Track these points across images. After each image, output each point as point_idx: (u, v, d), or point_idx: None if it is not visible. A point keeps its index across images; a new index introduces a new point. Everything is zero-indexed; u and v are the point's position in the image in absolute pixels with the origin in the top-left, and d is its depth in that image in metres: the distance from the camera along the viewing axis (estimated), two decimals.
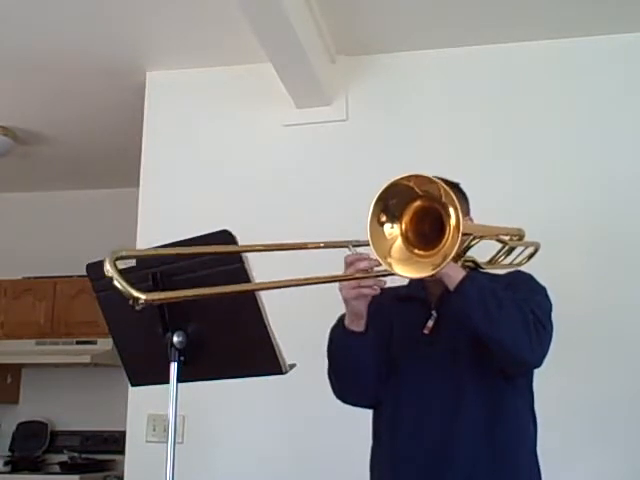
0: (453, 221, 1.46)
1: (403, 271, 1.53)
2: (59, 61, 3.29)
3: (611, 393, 2.72)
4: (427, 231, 1.56)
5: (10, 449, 4.71)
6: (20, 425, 4.77)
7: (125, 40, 3.13)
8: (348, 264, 1.63)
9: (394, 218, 1.58)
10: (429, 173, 1.80)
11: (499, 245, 1.91)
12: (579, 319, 2.59)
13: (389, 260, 1.54)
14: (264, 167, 3.22)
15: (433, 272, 1.49)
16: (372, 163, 3.11)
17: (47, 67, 3.34)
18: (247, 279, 1.58)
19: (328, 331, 1.74)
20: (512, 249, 1.94)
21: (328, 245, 1.66)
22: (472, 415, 1.68)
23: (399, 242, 1.57)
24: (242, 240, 1.60)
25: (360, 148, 3.16)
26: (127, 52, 3.23)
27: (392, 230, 1.58)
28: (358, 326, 1.69)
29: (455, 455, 1.66)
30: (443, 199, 1.48)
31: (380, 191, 1.56)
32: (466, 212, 1.88)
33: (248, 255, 1.60)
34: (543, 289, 1.79)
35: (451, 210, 1.47)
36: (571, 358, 2.58)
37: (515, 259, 1.96)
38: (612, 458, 2.68)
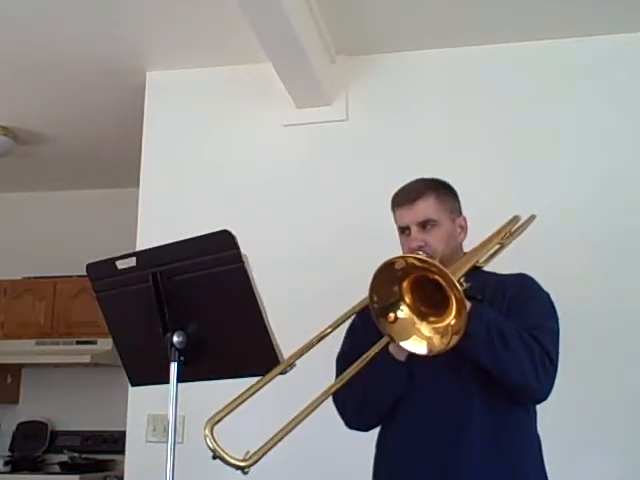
0: (453, 321, 1.47)
1: (440, 343, 1.51)
2: (59, 61, 3.29)
3: (611, 394, 2.71)
4: (430, 291, 1.53)
5: (10, 449, 4.70)
6: (20, 425, 4.77)
7: (125, 40, 3.13)
8: None
9: (397, 304, 1.55)
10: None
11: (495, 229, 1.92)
12: (579, 319, 2.59)
13: (419, 337, 1.54)
14: (264, 167, 3.22)
15: (457, 339, 1.47)
16: (372, 163, 3.12)
17: (47, 67, 3.34)
18: (247, 279, 1.58)
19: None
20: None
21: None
22: (479, 427, 1.67)
23: (415, 318, 1.55)
24: (241, 239, 1.60)
25: (360, 148, 3.16)
26: (127, 52, 3.23)
27: (403, 312, 1.56)
28: (403, 355, 1.66)
29: (464, 469, 1.65)
30: (446, 288, 1.47)
31: (371, 302, 1.54)
32: (458, 212, 1.88)
33: (248, 256, 1.60)
34: (549, 302, 1.77)
35: (454, 305, 1.46)
36: (571, 358, 2.57)
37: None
38: (612, 459, 2.68)
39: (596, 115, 3.01)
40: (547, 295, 1.79)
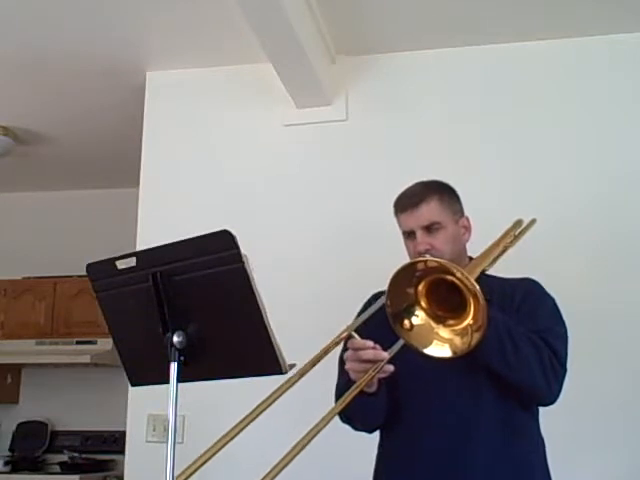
0: (472, 321, 1.47)
1: (461, 343, 1.50)
2: (59, 61, 3.29)
3: (611, 394, 2.71)
4: (445, 295, 1.53)
5: (10, 449, 4.71)
6: (20, 425, 4.77)
7: (125, 40, 3.13)
8: (354, 349, 1.59)
9: (411, 308, 1.55)
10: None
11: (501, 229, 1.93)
12: (579, 320, 2.58)
13: (440, 341, 1.54)
14: (264, 167, 3.22)
15: (479, 337, 1.47)
16: (372, 163, 3.12)
17: (47, 67, 3.34)
18: (247, 279, 1.58)
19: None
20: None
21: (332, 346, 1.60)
22: (487, 428, 1.67)
23: (432, 323, 1.55)
24: (241, 239, 1.59)
25: (360, 148, 3.16)
26: (127, 52, 3.23)
27: (419, 318, 1.55)
28: (372, 387, 1.66)
29: (468, 471, 1.65)
30: (464, 290, 1.46)
31: (388, 307, 1.54)
32: (461, 212, 1.88)
33: (249, 255, 1.60)
34: (556, 307, 1.78)
35: (473, 306, 1.46)
36: (572, 358, 2.57)
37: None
38: (612, 459, 2.68)
39: (596, 115, 3.01)
40: (553, 300, 1.79)
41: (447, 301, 1.53)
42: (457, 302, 1.49)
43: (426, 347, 1.53)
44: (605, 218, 2.88)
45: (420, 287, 1.54)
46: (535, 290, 1.81)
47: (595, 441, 2.71)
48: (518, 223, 2.03)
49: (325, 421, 1.45)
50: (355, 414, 1.76)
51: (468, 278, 1.44)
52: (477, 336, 1.46)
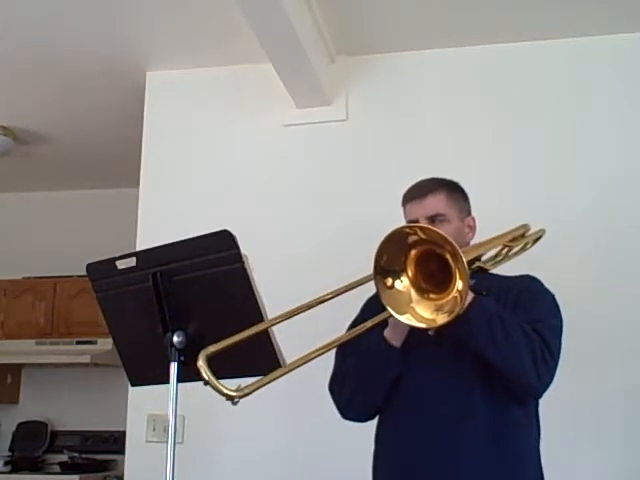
0: (460, 285, 1.47)
1: (434, 321, 1.53)
2: (59, 61, 3.29)
3: (610, 394, 2.71)
4: (435, 270, 1.54)
5: (10, 449, 4.71)
6: (20, 425, 4.77)
7: (125, 40, 3.13)
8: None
9: (399, 273, 1.57)
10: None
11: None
12: (579, 319, 2.58)
13: (412, 316, 1.56)
14: (264, 167, 3.22)
15: (449, 318, 1.49)
16: (372, 163, 3.12)
17: (47, 67, 3.34)
18: (247, 279, 1.58)
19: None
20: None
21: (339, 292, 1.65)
22: (478, 424, 1.67)
23: (414, 292, 1.56)
24: (241, 239, 1.60)
25: (360, 148, 3.16)
26: (127, 52, 3.23)
27: (402, 284, 1.57)
28: (398, 341, 1.69)
29: (462, 464, 1.65)
30: (452, 264, 1.48)
31: (378, 259, 1.56)
32: (467, 212, 1.89)
33: (248, 255, 1.60)
34: (554, 302, 1.78)
35: (458, 275, 1.47)
36: (571, 359, 2.57)
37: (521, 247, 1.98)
38: (611, 459, 2.68)
39: (596, 115, 3.00)
40: (552, 296, 1.80)
41: (434, 276, 1.55)
42: (443, 278, 1.51)
43: (396, 312, 1.55)
44: (605, 218, 2.88)
45: (411, 255, 1.56)
46: (533, 285, 1.82)
47: (594, 441, 2.71)
48: (523, 227, 2.03)
49: (330, 345, 1.54)
50: (369, 369, 1.74)
51: (459, 253, 1.45)
52: (452, 316, 1.47)
